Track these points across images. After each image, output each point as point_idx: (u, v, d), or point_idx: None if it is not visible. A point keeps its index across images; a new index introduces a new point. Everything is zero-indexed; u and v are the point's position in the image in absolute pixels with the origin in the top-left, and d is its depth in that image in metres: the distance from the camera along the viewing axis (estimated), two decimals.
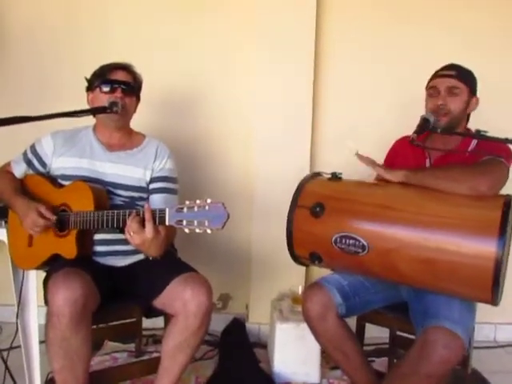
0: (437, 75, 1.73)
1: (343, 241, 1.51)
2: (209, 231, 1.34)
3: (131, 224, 1.47)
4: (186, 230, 1.37)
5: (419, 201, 1.51)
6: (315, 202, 1.56)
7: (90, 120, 1.81)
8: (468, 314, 1.53)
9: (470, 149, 1.68)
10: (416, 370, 1.44)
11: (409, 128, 1.66)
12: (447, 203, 1.47)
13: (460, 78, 1.68)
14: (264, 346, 2.47)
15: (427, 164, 1.75)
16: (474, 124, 1.72)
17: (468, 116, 1.77)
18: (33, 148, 1.81)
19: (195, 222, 1.35)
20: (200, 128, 2.61)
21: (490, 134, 1.53)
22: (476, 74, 1.72)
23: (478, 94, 1.73)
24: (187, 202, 1.38)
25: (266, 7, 2.41)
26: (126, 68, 1.80)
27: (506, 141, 1.47)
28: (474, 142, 1.69)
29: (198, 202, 1.36)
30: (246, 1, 2.50)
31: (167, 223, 1.42)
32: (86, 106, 1.78)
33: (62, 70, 2.55)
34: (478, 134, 1.55)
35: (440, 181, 1.52)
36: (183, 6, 2.54)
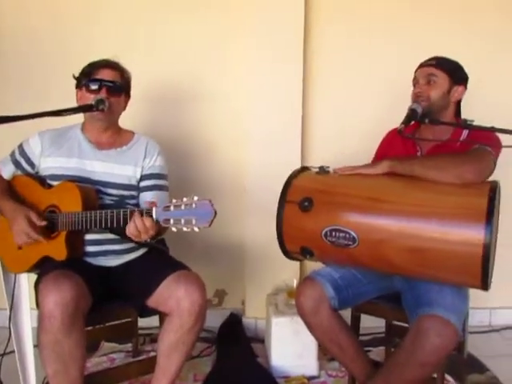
0: (418, 66, 1.75)
1: (333, 234, 1.50)
2: (196, 229, 1.33)
3: (145, 221, 1.44)
4: (174, 229, 1.37)
5: (406, 191, 1.51)
6: (304, 196, 1.56)
7: (78, 118, 1.79)
8: (460, 300, 1.53)
9: (461, 139, 1.68)
10: (410, 359, 1.45)
11: (399, 121, 1.66)
12: (434, 192, 1.47)
13: (438, 66, 1.69)
14: (261, 340, 2.48)
15: (418, 155, 1.74)
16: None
17: (458, 106, 1.76)
18: (20, 148, 1.79)
19: (182, 221, 1.34)
20: (191, 124, 2.59)
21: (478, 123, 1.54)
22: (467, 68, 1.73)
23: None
24: (174, 200, 1.37)
25: (255, 5, 2.40)
26: (112, 66, 1.77)
27: (492, 129, 1.47)
28: (466, 133, 1.69)
29: (184, 199, 1.35)
30: None
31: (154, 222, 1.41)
32: (74, 105, 1.75)
33: (47, 69, 2.51)
34: (465, 124, 1.55)
35: (426, 170, 1.52)
36: (175, 3, 2.51)
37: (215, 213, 1.32)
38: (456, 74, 1.70)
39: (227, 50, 2.54)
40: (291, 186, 1.61)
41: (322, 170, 1.66)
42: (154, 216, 1.40)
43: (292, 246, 1.63)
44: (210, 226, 1.32)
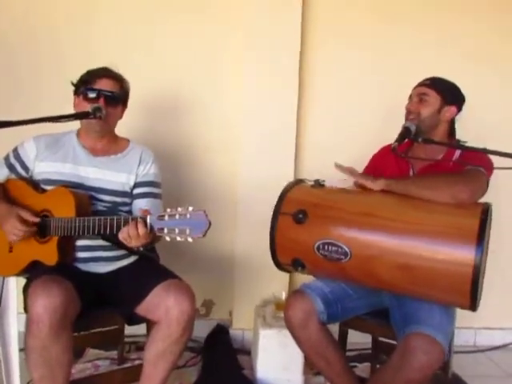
0: (416, 86, 1.79)
1: (326, 247, 1.52)
2: (190, 239, 1.34)
3: (139, 229, 1.44)
4: (167, 238, 1.37)
5: (400, 208, 1.53)
6: (298, 208, 1.57)
7: (73, 124, 1.78)
8: (448, 320, 1.55)
9: (453, 159, 1.71)
10: (397, 376, 1.46)
11: (393, 136, 1.68)
12: (427, 211, 1.49)
13: (432, 86, 1.73)
14: (248, 352, 2.47)
15: (410, 173, 1.78)
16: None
17: (451, 127, 1.79)
18: (15, 152, 1.79)
19: (176, 230, 1.35)
20: (185, 133, 2.60)
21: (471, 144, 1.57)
22: (463, 84, 1.77)
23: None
24: (168, 210, 1.38)
25: (250, 15, 2.43)
26: (112, 76, 1.77)
27: (485, 150, 1.50)
28: (458, 153, 1.72)
29: (179, 209, 1.36)
30: (232, 5, 2.51)
31: (148, 231, 1.42)
32: (71, 109, 1.75)
33: (43, 71, 2.49)
34: (458, 144, 1.59)
35: (421, 189, 1.55)
36: (169, 9, 2.52)
37: (209, 224, 1.33)
38: (449, 94, 1.74)
39: (222, 60, 2.55)
40: (286, 197, 1.63)
41: (317, 184, 1.67)
42: (148, 224, 1.41)
43: (284, 257, 1.64)
44: (204, 236, 1.33)
